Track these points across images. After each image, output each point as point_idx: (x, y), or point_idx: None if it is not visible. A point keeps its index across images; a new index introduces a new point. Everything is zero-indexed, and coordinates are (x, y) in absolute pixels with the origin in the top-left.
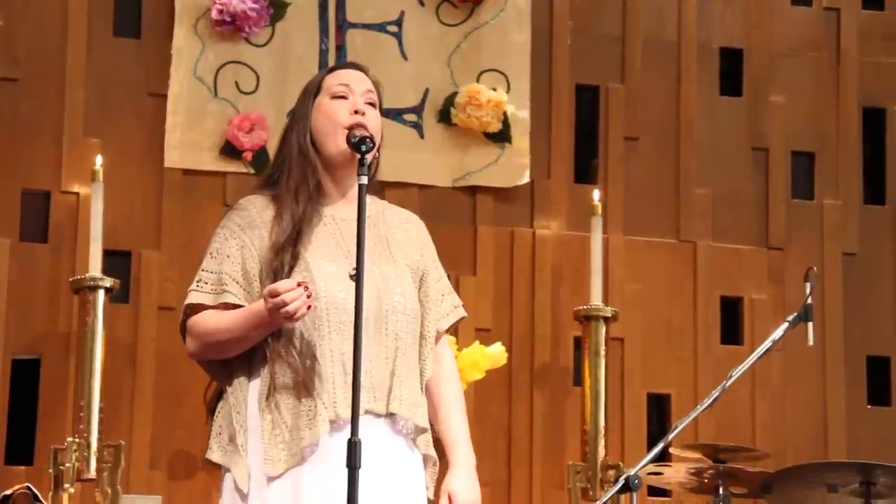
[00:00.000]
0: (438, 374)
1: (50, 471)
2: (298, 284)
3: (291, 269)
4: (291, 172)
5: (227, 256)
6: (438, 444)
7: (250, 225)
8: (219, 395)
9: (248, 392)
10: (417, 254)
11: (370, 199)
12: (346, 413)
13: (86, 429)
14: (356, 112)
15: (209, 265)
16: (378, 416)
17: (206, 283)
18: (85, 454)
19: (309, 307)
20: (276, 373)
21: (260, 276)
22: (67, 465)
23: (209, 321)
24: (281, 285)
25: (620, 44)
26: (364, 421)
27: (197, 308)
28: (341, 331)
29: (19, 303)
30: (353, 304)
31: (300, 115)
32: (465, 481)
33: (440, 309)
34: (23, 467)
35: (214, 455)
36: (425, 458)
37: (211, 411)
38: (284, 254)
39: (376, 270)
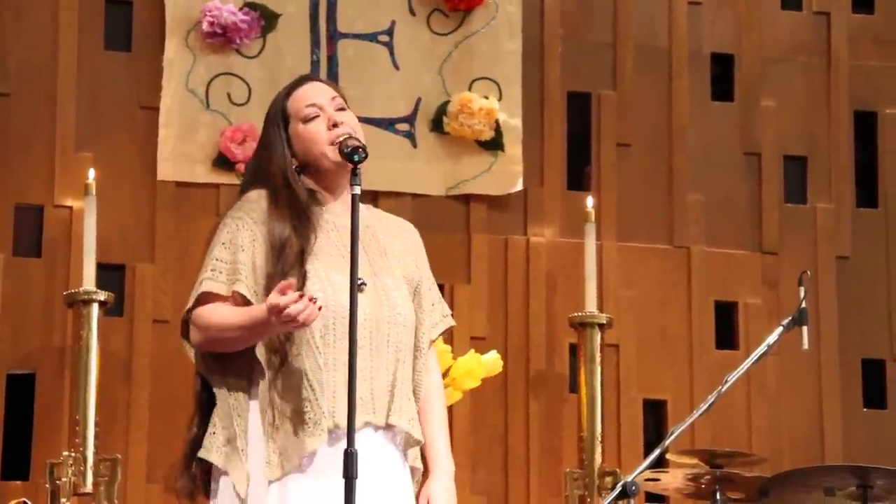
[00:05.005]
0: (427, 384)
1: (46, 486)
2: (300, 296)
3: (303, 283)
4: (280, 198)
5: (241, 248)
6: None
7: (262, 220)
8: (204, 391)
9: (248, 395)
10: (412, 264)
11: (365, 208)
12: (345, 423)
13: (82, 443)
14: (335, 125)
15: (222, 254)
16: (377, 428)
17: (221, 273)
18: (81, 468)
19: (319, 308)
20: (278, 378)
21: (265, 275)
22: (64, 479)
23: (215, 315)
24: (282, 301)
25: (612, 51)
26: (363, 432)
27: (208, 297)
28: (346, 341)
29: (13, 318)
30: (358, 315)
31: (274, 146)
32: (443, 488)
33: (431, 318)
34: (19, 482)
35: (211, 455)
36: (413, 471)
37: (201, 408)
38: (296, 272)
39: (378, 282)
